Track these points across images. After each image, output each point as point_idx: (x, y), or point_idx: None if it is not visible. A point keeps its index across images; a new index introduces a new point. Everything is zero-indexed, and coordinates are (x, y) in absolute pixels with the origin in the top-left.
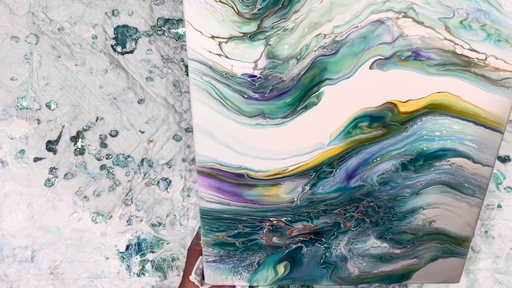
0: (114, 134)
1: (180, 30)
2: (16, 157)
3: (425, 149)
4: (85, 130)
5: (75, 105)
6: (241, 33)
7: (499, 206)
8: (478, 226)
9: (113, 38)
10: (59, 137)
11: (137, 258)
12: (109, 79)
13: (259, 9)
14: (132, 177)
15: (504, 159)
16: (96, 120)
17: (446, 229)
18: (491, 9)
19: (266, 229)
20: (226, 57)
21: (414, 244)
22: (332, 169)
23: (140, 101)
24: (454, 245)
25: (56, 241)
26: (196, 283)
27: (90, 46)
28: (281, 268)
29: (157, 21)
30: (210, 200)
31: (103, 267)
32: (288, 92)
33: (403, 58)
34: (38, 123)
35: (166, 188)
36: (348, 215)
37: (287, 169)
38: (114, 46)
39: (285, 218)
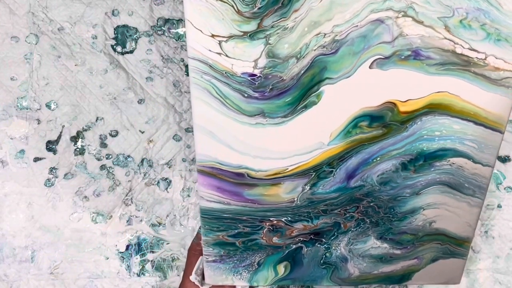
0: (114, 134)
1: (180, 30)
2: (16, 157)
3: (425, 149)
4: (85, 130)
5: (75, 105)
6: (241, 32)
7: (499, 206)
8: (478, 226)
9: (113, 38)
10: (59, 137)
11: (137, 258)
12: (109, 79)
13: (259, 8)
14: (132, 177)
15: (504, 159)
16: (96, 120)
17: (447, 230)
18: (491, 8)
19: (266, 229)
20: (226, 56)
21: (414, 244)
22: (332, 169)
23: (140, 101)
24: (455, 246)
25: (56, 241)
26: (197, 283)
27: (90, 46)
28: (281, 268)
29: (157, 21)
30: (210, 199)
31: (103, 267)
32: (288, 91)
33: (402, 57)
34: (38, 123)
35: (166, 188)
36: (348, 215)
37: (287, 168)
38: (114, 46)
39: (285, 218)
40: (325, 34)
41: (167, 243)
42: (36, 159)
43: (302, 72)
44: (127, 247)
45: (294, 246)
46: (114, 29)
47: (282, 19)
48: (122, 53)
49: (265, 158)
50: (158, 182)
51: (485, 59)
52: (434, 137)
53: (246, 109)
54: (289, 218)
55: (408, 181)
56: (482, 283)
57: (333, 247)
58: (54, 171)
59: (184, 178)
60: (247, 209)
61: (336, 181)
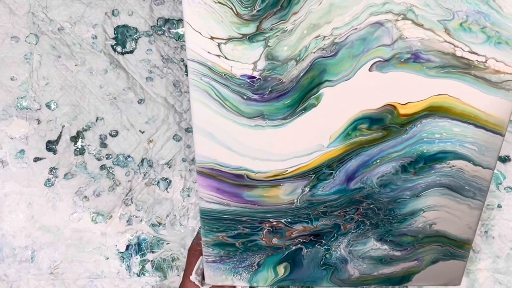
0: (114, 134)
1: (180, 30)
2: (16, 157)
3: (425, 151)
4: (85, 130)
5: (75, 105)
6: (240, 34)
7: (499, 206)
8: (478, 226)
9: (113, 38)
10: (59, 137)
11: (137, 258)
12: (109, 79)
13: (258, 11)
14: (132, 177)
15: (504, 159)
16: (96, 120)
17: (447, 232)
18: (491, 11)
19: (266, 230)
20: (226, 58)
21: (415, 246)
22: (331, 171)
23: (140, 101)
24: (455, 248)
25: (56, 241)
26: (197, 283)
27: (90, 46)
28: (281, 269)
29: (157, 21)
30: (210, 200)
31: (103, 267)
32: (288, 94)
33: (402, 60)
34: (38, 123)
35: (166, 188)
36: (348, 217)
37: (287, 170)
38: (114, 46)
39: (285, 220)
40: (324, 37)
41: (167, 243)
42: (36, 159)
43: (302, 74)
44: (127, 247)
45: (294, 247)
46: (114, 29)
47: (281, 21)
48: (122, 53)
49: (265, 160)
50: (158, 182)
51: (485, 62)
52: (434, 140)
53: (245, 111)
54: (289, 220)
55: (408, 183)
56: (482, 283)
57: (333, 249)
58: (54, 171)
59: (184, 178)
60: (246, 210)
61: (336, 183)
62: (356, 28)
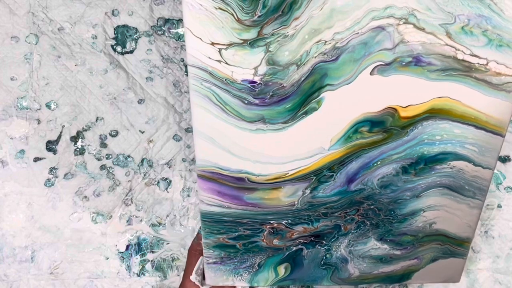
0: (114, 134)
1: (180, 30)
2: (16, 157)
3: (425, 153)
4: (85, 130)
5: (75, 105)
6: (241, 40)
7: (499, 206)
8: (478, 226)
9: (113, 38)
10: (59, 137)
11: (137, 258)
12: (109, 79)
13: (259, 16)
14: (132, 177)
15: (504, 159)
16: (96, 120)
17: (447, 231)
18: (493, 14)
19: (266, 232)
20: (226, 63)
21: (415, 245)
22: (332, 173)
23: (140, 101)
24: (455, 246)
25: (56, 241)
26: (197, 283)
27: (90, 46)
28: (281, 270)
29: (157, 21)
30: (210, 203)
31: (103, 267)
32: (289, 98)
33: (403, 63)
34: (38, 123)
35: (166, 188)
36: (348, 218)
37: (288, 173)
38: (114, 46)
39: (286, 221)
40: (325, 42)
41: (167, 243)
42: (36, 159)
43: (303, 79)
44: (127, 247)
45: (294, 248)
46: (114, 29)
47: (283, 27)
48: (122, 53)
49: (266, 163)
50: (158, 182)
51: (486, 64)
52: (434, 141)
53: (246, 116)
54: (290, 221)
55: (409, 184)
56: (482, 283)
57: (334, 249)
58: (54, 171)
59: (184, 178)
60: (247, 212)
61: (337, 185)
62: (358, 33)
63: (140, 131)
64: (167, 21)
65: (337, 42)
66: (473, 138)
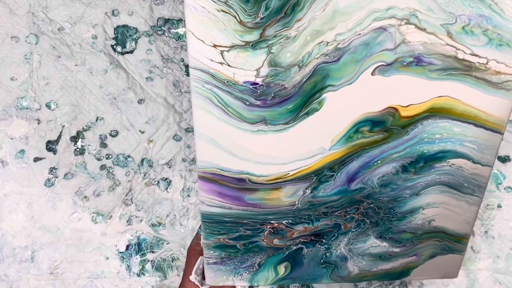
0: (114, 134)
1: (180, 30)
2: (16, 157)
3: (425, 151)
4: (85, 130)
5: (75, 105)
6: (244, 42)
7: (499, 206)
8: (478, 226)
9: (113, 38)
10: (59, 137)
11: (137, 258)
12: (109, 79)
13: (261, 18)
14: (132, 177)
15: (504, 159)
16: (96, 120)
17: (445, 227)
18: (493, 14)
19: (267, 232)
20: (228, 65)
21: (414, 242)
22: (333, 173)
23: (140, 101)
24: (453, 242)
25: (56, 241)
26: (197, 283)
27: (90, 46)
28: (281, 269)
29: (157, 21)
30: (211, 204)
31: (103, 267)
32: (290, 99)
33: (405, 64)
34: (38, 123)
35: (166, 188)
36: (348, 216)
37: (289, 173)
38: (114, 46)
39: (286, 221)
40: (327, 43)
41: (167, 243)
42: (36, 159)
43: (304, 80)
44: (127, 247)
45: (294, 247)
46: (114, 29)
47: (285, 28)
48: (122, 53)
49: (267, 164)
50: (158, 182)
51: (486, 63)
52: (434, 140)
53: (248, 117)
54: (290, 221)
55: (408, 183)
56: (482, 283)
57: (333, 247)
58: (54, 171)
59: (184, 178)
60: (248, 213)
61: (337, 184)
62: (360, 34)
63: (140, 131)
64: (167, 21)
65: (339, 43)
66: (472, 136)
